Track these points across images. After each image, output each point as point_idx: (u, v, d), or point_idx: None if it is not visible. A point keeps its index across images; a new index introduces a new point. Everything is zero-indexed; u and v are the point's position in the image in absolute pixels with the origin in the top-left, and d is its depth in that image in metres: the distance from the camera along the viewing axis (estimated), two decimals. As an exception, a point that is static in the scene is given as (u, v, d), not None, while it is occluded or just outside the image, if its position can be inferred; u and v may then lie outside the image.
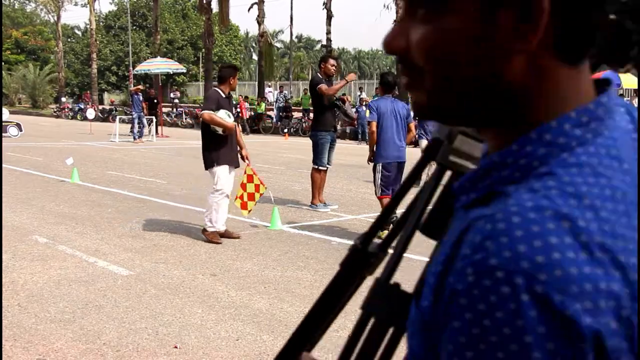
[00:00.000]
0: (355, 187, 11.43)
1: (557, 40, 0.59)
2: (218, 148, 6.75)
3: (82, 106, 40.90)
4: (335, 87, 8.76)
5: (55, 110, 43.82)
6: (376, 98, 7.69)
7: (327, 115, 8.77)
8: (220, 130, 6.65)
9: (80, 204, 9.12)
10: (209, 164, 6.82)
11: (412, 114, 7.47)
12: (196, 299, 4.86)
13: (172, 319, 4.40)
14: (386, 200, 7.08)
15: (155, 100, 25.19)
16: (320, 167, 8.86)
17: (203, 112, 6.68)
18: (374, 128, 7.09)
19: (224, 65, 7.37)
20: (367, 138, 13.30)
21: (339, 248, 6.61)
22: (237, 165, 6.98)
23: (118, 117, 26.74)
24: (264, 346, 3.94)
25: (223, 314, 4.52)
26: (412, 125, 7.63)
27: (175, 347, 3.92)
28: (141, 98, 22.84)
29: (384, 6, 29.16)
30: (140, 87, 24.05)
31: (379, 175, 7.20)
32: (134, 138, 22.41)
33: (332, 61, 8.81)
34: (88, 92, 46.91)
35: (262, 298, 4.90)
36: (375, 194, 7.36)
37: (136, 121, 22.33)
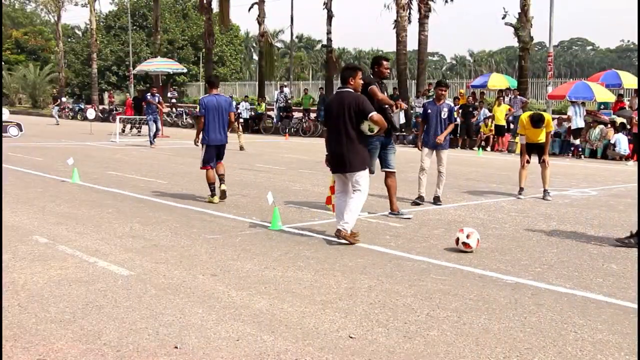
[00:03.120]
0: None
1: None
2: (367, 151, 6.99)
3: (82, 106, 40.89)
4: (385, 97, 8.16)
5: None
6: (205, 95, 9.71)
7: None
8: (376, 130, 6.82)
9: (81, 204, 9.12)
10: (362, 165, 6.86)
11: (233, 105, 10.05)
12: (196, 299, 4.86)
13: (173, 319, 4.39)
14: (209, 170, 9.50)
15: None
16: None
17: (373, 114, 6.73)
18: (202, 119, 9.45)
19: (346, 66, 7.32)
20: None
21: (340, 248, 6.61)
22: None
23: (118, 117, 26.75)
24: (265, 346, 3.93)
25: (223, 314, 4.52)
26: (232, 114, 9.75)
27: (176, 347, 3.91)
28: (156, 99, 21.52)
29: (385, 6, 29.15)
30: (155, 89, 22.65)
31: (203, 152, 9.53)
32: (151, 143, 20.50)
33: (385, 63, 8.34)
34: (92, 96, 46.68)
35: (263, 298, 4.89)
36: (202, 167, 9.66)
37: (150, 124, 20.67)
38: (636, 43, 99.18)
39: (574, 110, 19.70)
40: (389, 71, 8.42)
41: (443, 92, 9.74)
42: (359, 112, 6.77)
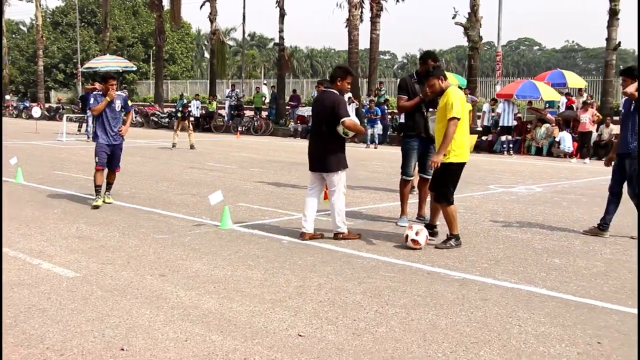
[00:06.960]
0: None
1: None
2: (344, 152, 7.03)
3: (27, 104, 39.73)
4: (411, 103, 7.75)
5: (-1, 108, 42.53)
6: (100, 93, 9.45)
7: (417, 120, 7.77)
8: (350, 134, 6.92)
9: (25, 205, 8.88)
10: (337, 167, 6.93)
11: (129, 104, 9.90)
12: (144, 300, 4.79)
13: (119, 321, 4.32)
14: (99, 171, 9.34)
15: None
16: (405, 177, 7.95)
17: (345, 119, 6.81)
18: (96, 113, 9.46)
19: (338, 66, 7.48)
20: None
21: (290, 247, 6.60)
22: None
23: (65, 115, 26.12)
24: (213, 346, 3.90)
25: (172, 314, 4.47)
26: (130, 114, 9.98)
27: (122, 349, 3.85)
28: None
29: (337, 5, 29.27)
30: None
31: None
32: (88, 137, 21.45)
33: (431, 62, 7.60)
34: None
35: (212, 298, 4.85)
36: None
37: (90, 120, 21.06)
38: (580, 44, 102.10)
39: (503, 107, 20.19)
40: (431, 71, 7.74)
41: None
42: (334, 115, 6.85)
